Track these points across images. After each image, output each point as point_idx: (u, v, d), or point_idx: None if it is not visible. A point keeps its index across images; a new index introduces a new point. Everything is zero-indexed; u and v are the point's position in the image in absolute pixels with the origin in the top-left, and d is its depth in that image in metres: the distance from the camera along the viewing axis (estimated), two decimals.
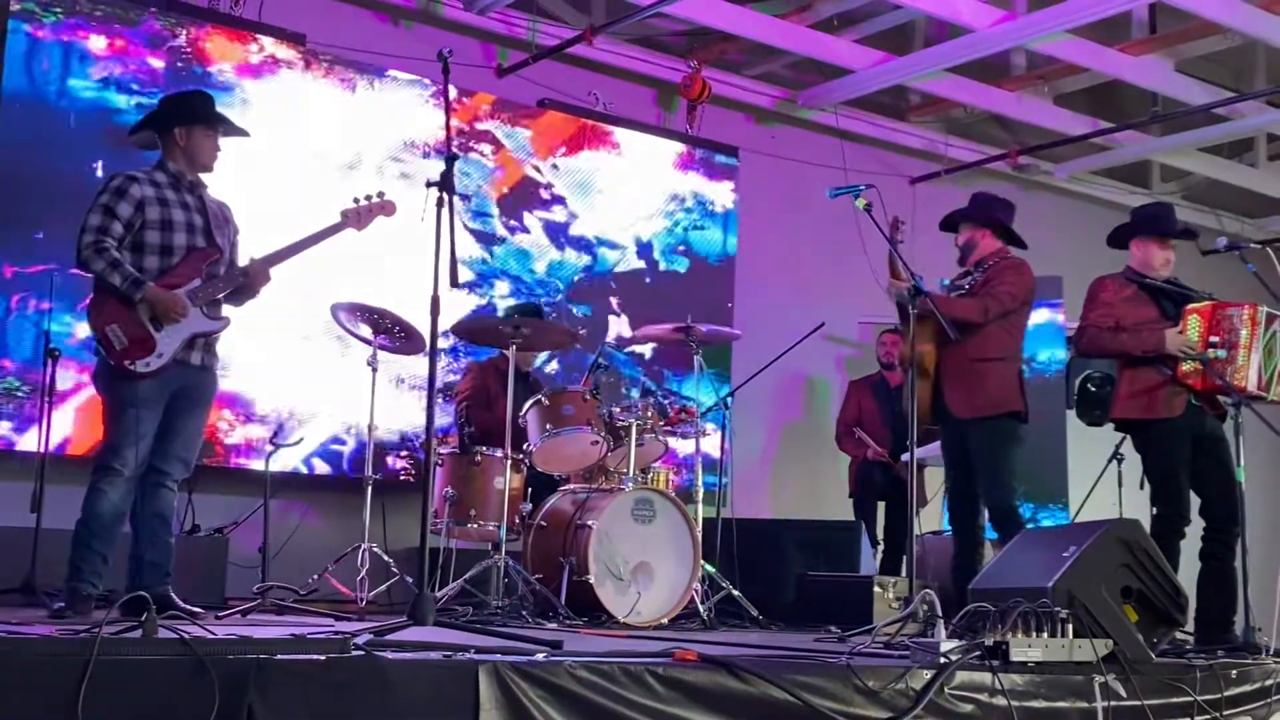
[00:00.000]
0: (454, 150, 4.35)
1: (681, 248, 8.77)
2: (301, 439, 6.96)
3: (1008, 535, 5.47)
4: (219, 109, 5.00)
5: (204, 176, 4.90)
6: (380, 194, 5.17)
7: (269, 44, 7.24)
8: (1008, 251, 5.85)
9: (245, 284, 4.89)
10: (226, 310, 4.92)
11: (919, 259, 6.03)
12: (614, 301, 8.44)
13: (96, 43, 6.72)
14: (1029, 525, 6.28)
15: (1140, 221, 5.81)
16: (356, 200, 5.12)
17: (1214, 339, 5.38)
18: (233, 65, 7.11)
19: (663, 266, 8.68)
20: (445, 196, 4.14)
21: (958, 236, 5.89)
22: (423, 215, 4.04)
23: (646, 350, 8.45)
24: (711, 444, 7.34)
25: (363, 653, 3.02)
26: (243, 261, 4.94)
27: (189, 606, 4.56)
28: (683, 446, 7.36)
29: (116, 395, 4.65)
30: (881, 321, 7.32)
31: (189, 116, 4.86)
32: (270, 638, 3.11)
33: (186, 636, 2.81)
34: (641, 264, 8.57)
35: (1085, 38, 8.48)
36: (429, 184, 4.19)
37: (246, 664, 2.78)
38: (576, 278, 8.30)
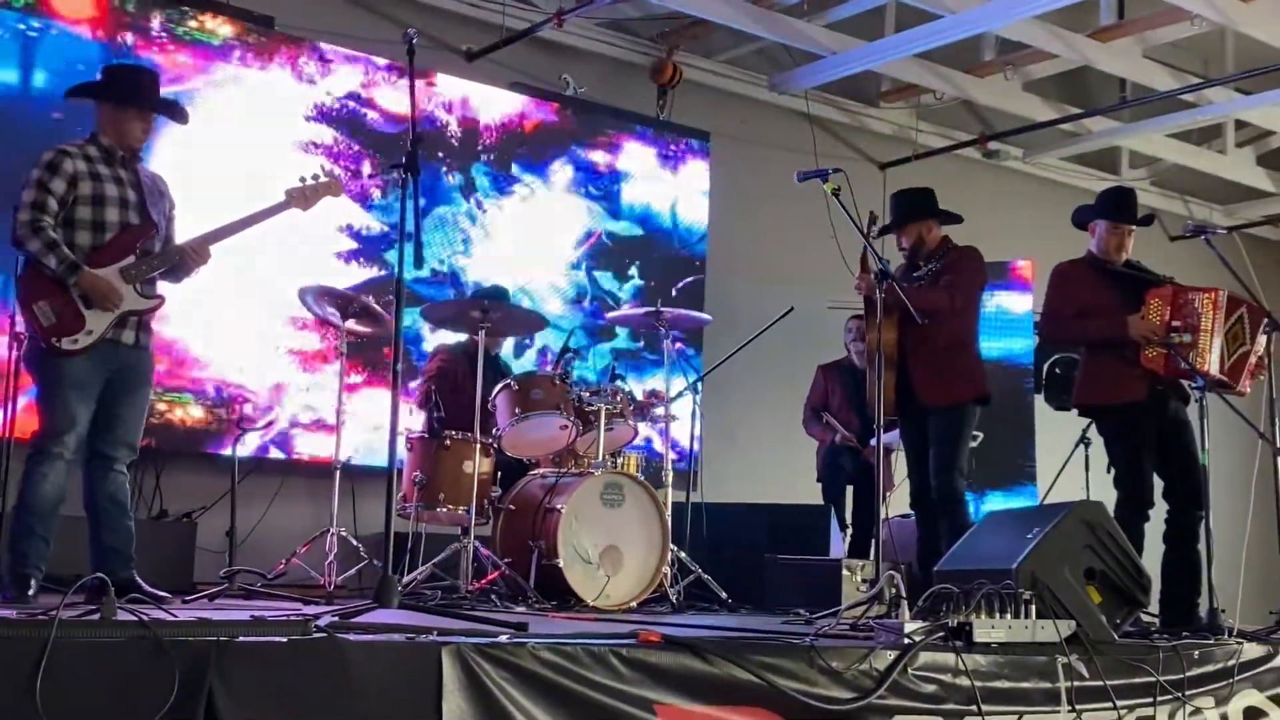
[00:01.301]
0: (418, 132, 4.32)
1: (651, 233, 8.76)
2: (270, 422, 6.93)
3: (951, 520, 5.52)
4: (170, 91, 4.96)
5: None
6: (328, 173, 5.11)
7: (232, 23, 7.19)
8: (950, 238, 5.89)
9: (181, 262, 4.79)
10: (165, 287, 4.83)
11: (888, 244, 6.05)
12: (586, 286, 8.44)
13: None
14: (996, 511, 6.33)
15: (1099, 204, 5.84)
16: (302, 179, 5.04)
17: (1175, 323, 5.40)
18: (192, 45, 7.05)
19: (635, 252, 8.66)
20: (409, 179, 4.11)
21: (902, 239, 5.90)
22: (384, 194, 4.01)
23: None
24: (681, 428, 7.35)
25: (324, 634, 3.01)
26: (180, 235, 4.86)
27: (155, 591, 4.53)
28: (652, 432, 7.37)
29: (49, 376, 4.56)
30: (850, 307, 7.32)
31: (120, 97, 4.77)
32: (231, 620, 3.10)
33: (145, 619, 2.80)
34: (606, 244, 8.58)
35: (1054, 24, 8.51)
36: (392, 166, 4.17)
37: (207, 646, 2.77)
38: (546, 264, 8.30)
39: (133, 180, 4.76)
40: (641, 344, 8.60)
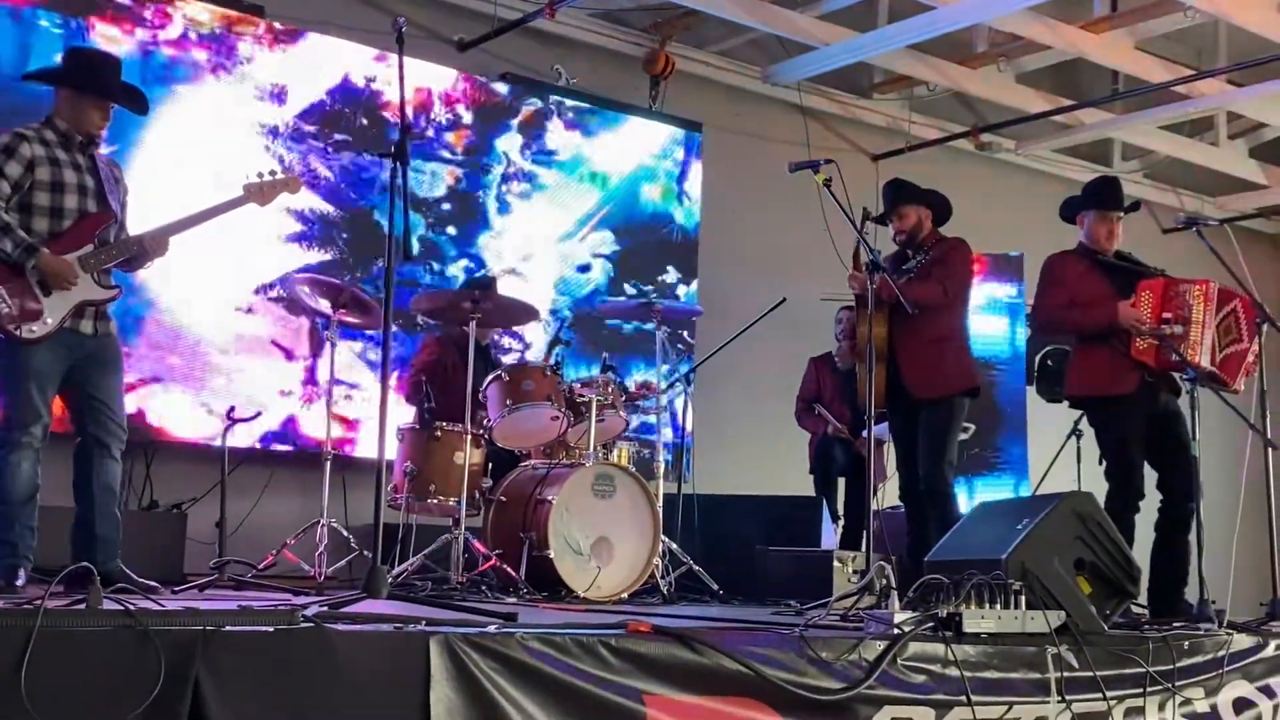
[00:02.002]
0: (407, 122, 4.30)
1: (644, 224, 8.75)
2: (259, 413, 6.91)
3: (940, 512, 5.52)
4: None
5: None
6: (286, 169, 5.07)
7: (220, 11, 7.17)
8: (938, 230, 5.90)
9: (139, 253, 4.73)
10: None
11: (881, 236, 6.04)
12: (579, 277, 8.43)
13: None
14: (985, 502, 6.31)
15: (1086, 195, 5.84)
16: (260, 174, 4.99)
17: (1166, 315, 5.40)
18: (176, 31, 7.03)
19: (627, 243, 8.66)
20: (399, 168, 4.09)
21: (904, 222, 5.87)
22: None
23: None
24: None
25: (311, 624, 3.00)
26: (131, 224, 4.81)
27: (144, 580, 4.51)
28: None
29: (10, 366, 4.49)
30: (843, 298, 7.32)
31: (79, 83, 4.69)
32: (218, 609, 3.09)
33: (131, 608, 2.78)
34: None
35: (1047, 15, 8.51)
36: (382, 155, 4.15)
37: (193, 635, 2.76)
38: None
39: (90, 167, 4.69)
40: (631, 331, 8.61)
